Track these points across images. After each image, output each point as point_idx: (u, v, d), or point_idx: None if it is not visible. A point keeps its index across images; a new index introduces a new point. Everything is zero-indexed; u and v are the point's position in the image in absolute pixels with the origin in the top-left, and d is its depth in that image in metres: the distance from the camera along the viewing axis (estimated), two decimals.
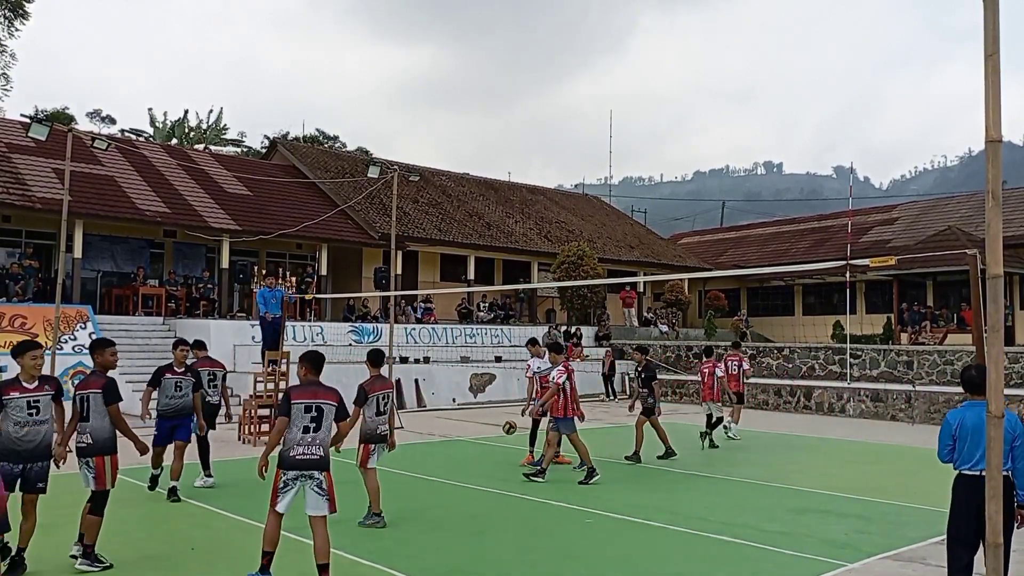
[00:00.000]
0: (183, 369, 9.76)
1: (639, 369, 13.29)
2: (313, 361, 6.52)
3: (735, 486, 10.82)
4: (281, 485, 6.13)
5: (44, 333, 16.88)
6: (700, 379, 15.40)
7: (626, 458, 12.51)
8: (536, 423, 12.33)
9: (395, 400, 8.78)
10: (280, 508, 6.13)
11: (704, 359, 15.56)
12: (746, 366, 16.33)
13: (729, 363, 15.80)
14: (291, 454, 6.16)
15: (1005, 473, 5.30)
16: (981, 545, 5.41)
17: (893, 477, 11.68)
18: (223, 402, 10.67)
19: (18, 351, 6.47)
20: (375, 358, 8.63)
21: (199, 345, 11.12)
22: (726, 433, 15.45)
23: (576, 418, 11.12)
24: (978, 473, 5.37)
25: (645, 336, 30.89)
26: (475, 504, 9.63)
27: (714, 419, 14.79)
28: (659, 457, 12.68)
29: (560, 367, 11.08)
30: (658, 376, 13.28)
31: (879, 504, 9.55)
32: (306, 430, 6.19)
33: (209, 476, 10.25)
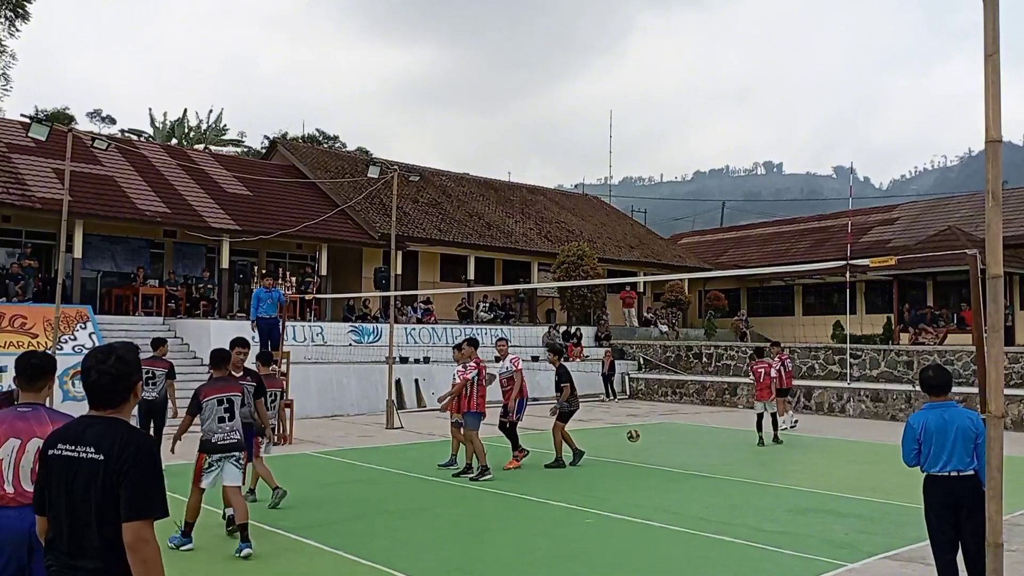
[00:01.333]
0: (241, 373, 8.52)
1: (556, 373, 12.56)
2: (221, 358, 7.69)
3: (735, 486, 10.81)
4: (206, 466, 7.20)
5: (44, 333, 16.88)
6: (754, 379, 15.43)
7: (546, 466, 11.94)
8: (512, 426, 11.94)
9: (280, 397, 9.91)
10: (204, 485, 7.20)
11: (757, 360, 15.96)
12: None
13: (785, 361, 16.75)
14: (212, 440, 7.21)
15: (971, 472, 5.32)
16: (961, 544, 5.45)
17: (893, 477, 11.64)
18: (170, 401, 11.17)
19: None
20: (265, 358, 10.26)
21: (157, 343, 11.64)
22: (789, 427, 16.39)
23: (481, 414, 11.12)
24: (946, 474, 5.39)
25: (645, 336, 30.88)
26: (475, 504, 9.62)
27: (766, 417, 15.00)
28: (547, 466, 11.92)
29: (472, 363, 11.14)
30: (572, 379, 12.33)
31: (879, 504, 9.55)
32: (221, 420, 7.23)
33: None
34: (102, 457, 2.89)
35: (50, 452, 3.02)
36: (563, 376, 12.28)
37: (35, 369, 4.24)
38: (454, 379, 11.73)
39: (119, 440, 2.91)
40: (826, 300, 34.02)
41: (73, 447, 2.95)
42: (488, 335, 25.51)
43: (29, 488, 3.92)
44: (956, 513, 5.34)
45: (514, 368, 11.69)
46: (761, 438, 14.75)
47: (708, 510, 9.15)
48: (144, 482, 2.87)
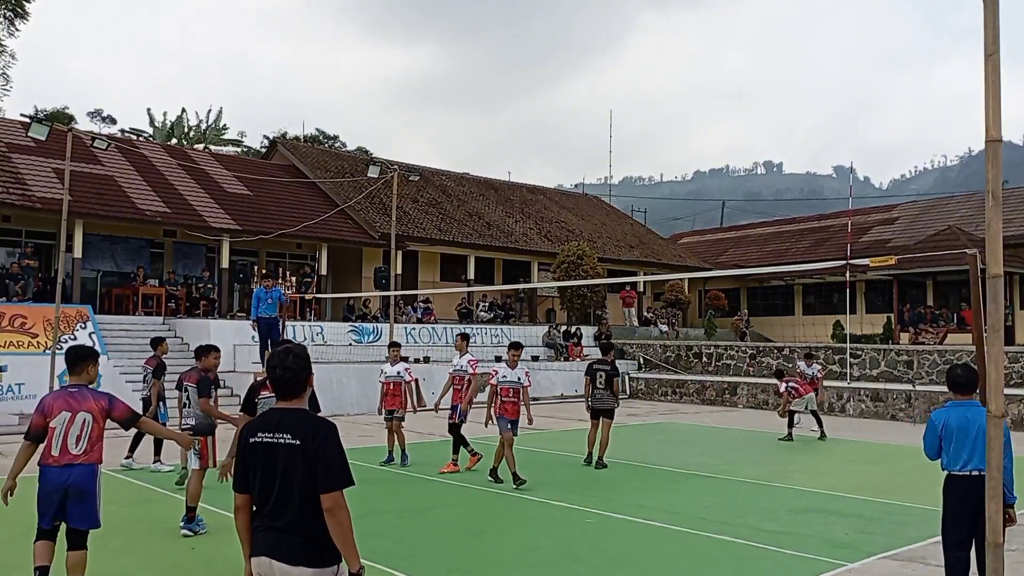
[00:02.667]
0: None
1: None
2: (197, 352, 8.52)
3: (735, 486, 10.81)
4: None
5: (44, 333, 16.88)
6: (801, 380, 16.35)
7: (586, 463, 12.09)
8: (457, 427, 11.89)
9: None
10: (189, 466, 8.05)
11: (807, 362, 16.93)
12: None
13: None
14: (181, 425, 8.26)
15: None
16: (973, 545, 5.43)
17: (893, 477, 11.68)
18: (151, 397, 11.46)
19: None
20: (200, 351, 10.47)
21: (156, 342, 12.01)
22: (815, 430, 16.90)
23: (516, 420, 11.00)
24: (967, 473, 5.34)
25: (645, 336, 30.88)
26: (475, 504, 9.63)
27: (807, 414, 16.10)
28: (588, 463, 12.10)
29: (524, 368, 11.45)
30: (587, 374, 12.36)
31: (879, 504, 9.55)
32: (185, 405, 8.29)
33: (128, 458, 11.27)
34: (298, 442, 3.41)
35: (251, 440, 3.52)
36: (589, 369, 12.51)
37: (73, 358, 5.47)
38: (384, 375, 12.20)
39: (309, 427, 3.46)
40: (826, 300, 34.03)
41: (272, 435, 3.47)
42: (488, 335, 25.54)
43: (71, 451, 5.19)
44: (976, 513, 5.27)
45: (471, 371, 11.79)
46: (824, 432, 15.67)
47: (709, 510, 9.15)
48: (336, 460, 3.42)
